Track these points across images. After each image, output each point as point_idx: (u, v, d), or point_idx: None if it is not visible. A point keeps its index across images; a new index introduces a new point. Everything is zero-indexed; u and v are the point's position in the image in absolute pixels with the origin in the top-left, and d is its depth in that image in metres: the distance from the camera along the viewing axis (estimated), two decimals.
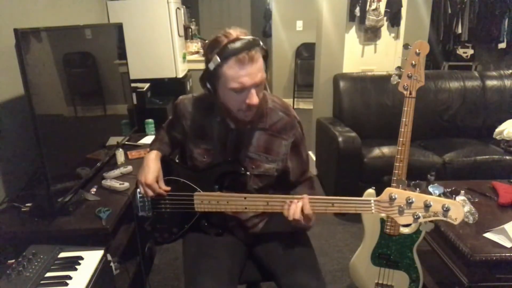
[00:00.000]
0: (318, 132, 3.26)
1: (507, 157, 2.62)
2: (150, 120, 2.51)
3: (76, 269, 1.20)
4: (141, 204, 1.39)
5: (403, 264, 1.59)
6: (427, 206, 1.06)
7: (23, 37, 1.33)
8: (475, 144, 2.82)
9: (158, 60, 3.23)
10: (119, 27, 2.30)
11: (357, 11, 3.09)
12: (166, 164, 1.37)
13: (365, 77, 3.12)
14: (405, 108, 1.43)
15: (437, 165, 2.62)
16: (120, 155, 2.03)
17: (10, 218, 1.51)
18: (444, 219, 1.06)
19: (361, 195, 1.29)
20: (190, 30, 4.30)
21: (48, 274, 1.17)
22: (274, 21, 5.56)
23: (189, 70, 3.77)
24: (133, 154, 2.13)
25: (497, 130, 2.90)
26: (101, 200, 1.63)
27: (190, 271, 1.25)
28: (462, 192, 1.76)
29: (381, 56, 3.33)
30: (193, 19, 4.91)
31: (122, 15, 2.98)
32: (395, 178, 1.47)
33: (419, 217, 1.07)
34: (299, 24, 5.54)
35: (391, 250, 1.58)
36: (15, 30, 1.29)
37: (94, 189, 1.73)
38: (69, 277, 1.16)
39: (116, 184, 1.73)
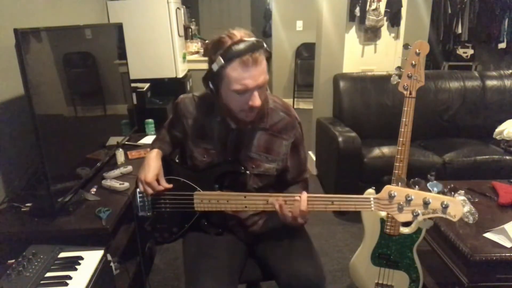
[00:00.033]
0: (318, 132, 3.26)
1: (507, 157, 2.62)
2: (150, 120, 2.51)
3: (76, 269, 1.20)
4: (141, 204, 1.39)
5: (403, 264, 1.59)
6: (426, 204, 1.07)
7: (23, 37, 1.33)
8: (475, 144, 2.82)
9: (158, 60, 3.24)
10: (119, 27, 2.30)
11: (357, 11, 3.09)
12: (166, 164, 1.37)
13: (365, 77, 3.12)
14: (405, 108, 1.43)
15: (437, 165, 2.62)
16: (120, 155, 2.03)
17: (10, 218, 1.51)
18: (443, 216, 1.06)
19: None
20: (190, 30, 4.31)
21: (48, 274, 1.17)
22: (274, 21, 5.56)
23: (189, 70, 3.77)
24: (133, 154, 2.13)
25: (497, 130, 2.90)
26: (101, 200, 1.63)
27: (190, 271, 1.25)
28: (462, 192, 1.76)
29: (381, 56, 3.34)
30: (193, 19, 4.91)
31: (122, 15, 2.99)
32: (394, 178, 1.47)
33: (418, 215, 1.08)
34: (299, 24, 5.54)
35: (391, 250, 1.58)
36: (15, 30, 1.29)
37: (94, 189, 1.73)
38: (69, 277, 1.16)
39: (116, 184, 1.73)
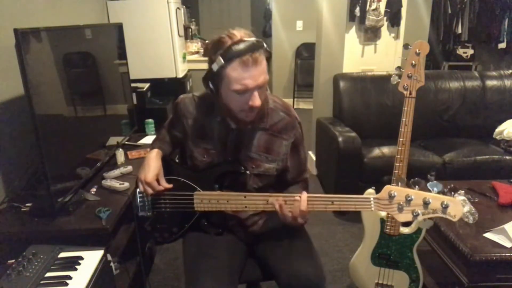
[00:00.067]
0: (318, 132, 3.26)
1: (507, 157, 2.62)
2: (150, 120, 2.51)
3: (76, 269, 1.20)
4: (141, 204, 1.39)
5: (403, 264, 1.59)
6: (426, 203, 1.07)
7: (23, 37, 1.33)
8: (475, 144, 2.82)
9: (158, 60, 3.23)
10: (119, 27, 2.30)
11: (357, 11, 3.09)
12: (166, 164, 1.37)
13: (365, 77, 3.12)
14: (405, 108, 1.43)
15: (437, 165, 2.62)
16: (120, 155, 2.03)
17: (10, 218, 1.51)
18: (443, 216, 1.06)
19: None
20: (190, 30, 4.31)
21: (48, 274, 1.17)
22: (274, 21, 5.56)
23: (189, 70, 3.77)
24: (133, 154, 2.13)
25: (497, 130, 2.90)
26: (101, 200, 1.63)
27: (190, 271, 1.25)
28: (462, 192, 1.76)
29: (381, 56, 3.34)
30: (193, 19, 4.91)
31: (122, 15, 2.99)
32: (394, 178, 1.47)
33: (418, 215, 1.08)
34: (299, 24, 5.54)
35: (391, 250, 1.58)
36: (15, 30, 1.29)
37: (94, 189, 1.73)
38: (69, 277, 1.16)
39: (116, 184, 1.73)
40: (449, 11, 4.70)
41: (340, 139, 2.63)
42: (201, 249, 1.30)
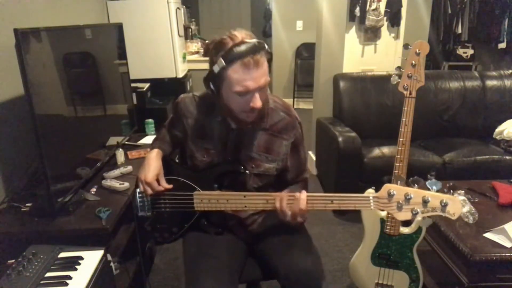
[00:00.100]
0: (318, 132, 3.26)
1: (507, 157, 2.62)
2: (150, 120, 2.51)
3: (76, 269, 1.20)
4: (140, 204, 1.39)
5: (403, 264, 1.59)
6: (425, 202, 1.07)
7: (23, 37, 1.33)
8: (475, 144, 2.82)
9: (158, 60, 3.23)
10: (119, 27, 2.30)
11: (357, 11, 3.09)
12: (166, 164, 1.37)
13: (365, 77, 3.12)
14: (405, 108, 1.43)
15: (437, 165, 2.62)
16: (120, 155, 2.03)
17: (10, 218, 1.51)
18: (442, 214, 1.06)
19: None
20: (190, 30, 4.30)
21: (48, 274, 1.17)
22: (274, 21, 5.56)
23: (189, 70, 3.77)
24: (133, 154, 2.13)
25: (497, 130, 2.90)
26: (101, 200, 1.63)
27: (190, 271, 1.25)
28: (462, 192, 1.76)
29: (381, 56, 3.34)
30: (193, 19, 4.91)
31: (122, 15, 2.99)
32: (394, 178, 1.47)
33: (417, 213, 1.08)
34: (299, 24, 5.54)
35: (391, 250, 1.58)
36: (15, 30, 1.29)
37: (94, 189, 1.73)
38: (69, 277, 1.16)
39: (116, 184, 1.73)
40: (449, 11, 4.70)
41: (340, 139, 2.63)
42: (201, 249, 1.30)
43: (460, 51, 4.88)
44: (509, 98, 3.05)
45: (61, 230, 1.44)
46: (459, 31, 4.75)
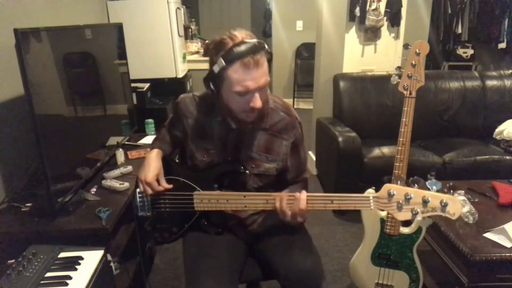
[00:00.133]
0: (318, 132, 3.26)
1: (507, 157, 2.62)
2: (150, 120, 2.51)
3: (76, 269, 1.20)
4: (140, 204, 1.39)
5: (403, 264, 1.59)
6: (425, 202, 1.07)
7: (23, 37, 1.33)
8: (475, 144, 2.82)
9: (158, 60, 3.23)
10: (119, 27, 2.30)
11: (357, 11, 3.09)
12: (166, 164, 1.37)
13: (365, 77, 3.12)
14: (405, 108, 1.43)
15: (437, 165, 2.62)
16: (120, 155, 2.03)
17: (10, 218, 1.51)
18: (442, 214, 1.06)
19: None
20: (190, 30, 4.31)
21: (48, 274, 1.17)
22: (274, 21, 5.56)
23: (189, 70, 3.77)
24: (133, 154, 2.13)
25: (497, 130, 2.90)
26: (101, 200, 1.63)
27: (190, 271, 1.25)
28: (462, 192, 1.76)
29: (381, 56, 3.33)
30: (193, 19, 4.91)
31: (122, 15, 2.99)
32: (394, 178, 1.47)
33: (417, 213, 1.08)
34: (299, 24, 5.54)
35: (391, 250, 1.58)
36: (15, 30, 1.29)
37: (94, 189, 1.73)
38: (69, 277, 1.16)
39: (116, 184, 1.73)
40: (449, 11, 4.70)
41: (340, 139, 2.63)
42: (201, 249, 1.30)
43: (460, 51, 4.88)
44: (509, 98, 3.05)
45: (61, 230, 1.44)
46: (459, 31, 4.75)
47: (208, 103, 1.32)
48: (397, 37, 3.31)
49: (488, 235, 1.52)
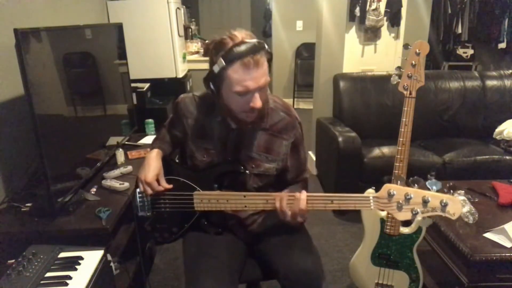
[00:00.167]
0: (318, 132, 3.26)
1: (507, 157, 2.62)
2: (150, 120, 2.51)
3: (76, 269, 1.20)
4: (140, 204, 1.39)
5: (403, 264, 1.59)
6: (425, 202, 1.07)
7: (23, 37, 1.33)
8: (475, 144, 2.82)
9: (158, 60, 3.24)
10: (119, 27, 2.30)
11: (357, 11, 3.09)
12: (166, 164, 1.37)
13: (365, 77, 3.12)
14: (405, 108, 1.43)
15: (437, 165, 2.62)
16: (120, 155, 2.03)
17: (10, 218, 1.51)
18: (442, 214, 1.06)
19: None
20: (190, 30, 4.31)
21: (48, 274, 1.17)
22: (274, 21, 5.56)
23: (189, 70, 3.77)
24: (133, 154, 2.13)
25: (497, 130, 2.90)
26: (101, 200, 1.63)
27: (190, 271, 1.25)
28: (462, 192, 1.76)
29: (381, 56, 3.34)
30: (193, 19, 4.91)
31: (122, 15, 2.99)
32: (394, 178, 1.47)
33: (417, 213, 1.08)
34: (299, 24, 5.54)
35: (391, 250, 1.58)
36: (15, 30, 1.29)
37: (94, 189, 1.73)
38: (69, 277, 1.16)
39: (116, 184, 1.73)
40: (449, 11, 4.70)
41: (340, 139, 2.63)
42: (201, 249, 1.30)
43: (460, 51, 4.88)
44: (509, 98, 3.05)
45: (61, 230, 1.44)
46: (459, 31, 4.75)
47: (208, 103, 1.32)
48: (397, 37, 3.31)
49: (488, 235, 1.52)
